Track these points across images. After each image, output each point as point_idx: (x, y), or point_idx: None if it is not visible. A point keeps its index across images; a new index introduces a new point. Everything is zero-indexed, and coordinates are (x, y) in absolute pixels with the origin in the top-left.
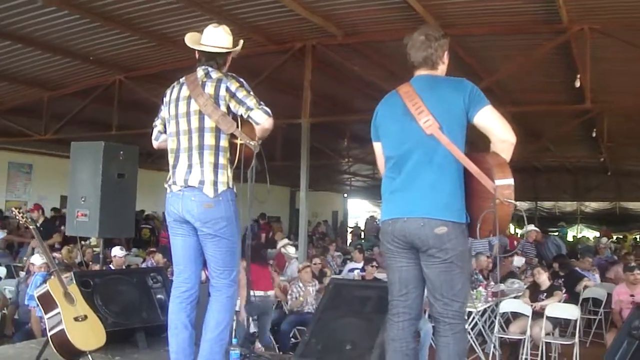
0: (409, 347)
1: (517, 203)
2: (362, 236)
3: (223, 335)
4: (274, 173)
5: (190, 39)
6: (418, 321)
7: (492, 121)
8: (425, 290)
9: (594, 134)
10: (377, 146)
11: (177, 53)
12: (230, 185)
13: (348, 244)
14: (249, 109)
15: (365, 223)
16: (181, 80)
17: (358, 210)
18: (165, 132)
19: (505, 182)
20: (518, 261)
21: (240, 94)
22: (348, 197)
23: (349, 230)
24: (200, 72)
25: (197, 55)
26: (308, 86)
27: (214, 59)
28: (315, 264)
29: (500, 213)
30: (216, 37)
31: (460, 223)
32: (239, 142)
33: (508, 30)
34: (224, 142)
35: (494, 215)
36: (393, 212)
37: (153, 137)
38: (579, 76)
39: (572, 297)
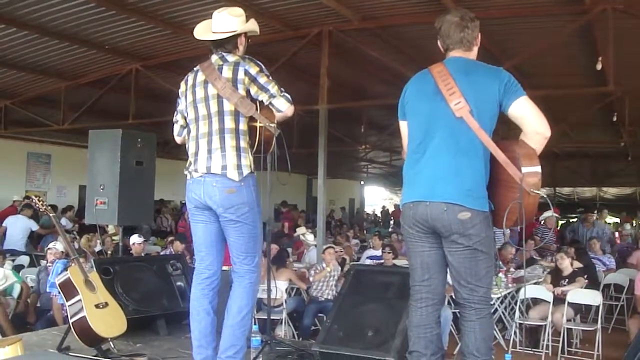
0: (432, 332)
1: (544, 193)
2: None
3: (245, 321)
4: (290, 160)
5: (200, 31)
6: (441, 306)
7: (527, 112)
8: (449, 276)
9: (614, 119)
10: (403, 125)
11: (193, 41)
12: (253, 170)
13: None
14: (271, 96)
15: (382, 212)
16: (195, 68)
17: (375, 198)
18: (186, 126)
19: (532, 169)
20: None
21: (262, 80)
22: (365, 185)
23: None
24: (214, 57)
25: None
26: (325, 72)
27: (221, 45)
28: (337, 251)
29: (525, 203)
30: (220, 23)
31: (483, 211)
32: (258, 124)
33: (529, 12)
34: (243, 125)
35: (519, 206)
36: (415, 195)
37: (175, 133)
38: (600, 58)
39: (592, 284)
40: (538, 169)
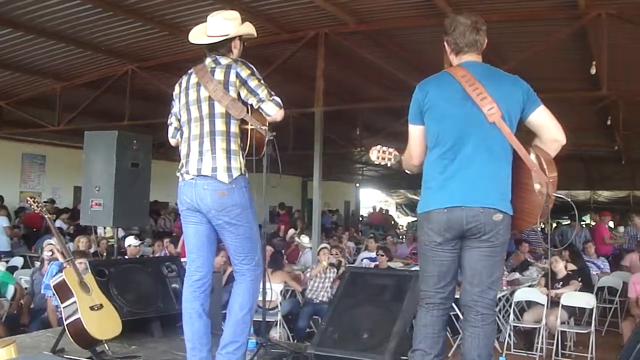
0: (439, 334)
1: (566, 196)
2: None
3: (247, 318)
4: (285, 162)
5: (195, 34)
6: (450, 310)
7: (547, 120)
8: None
9: (608, 122)
10: (418, 130)
11: (189, 42)
12: (243, 172)
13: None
14: (260, 100)
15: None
16: (189, 71)
17: (370, 200)
18: (180, 128)
19: (554, 174)
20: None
21: (252, 83)
22: (360, 187)
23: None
24: (208, 59)
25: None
26: (321, 75)
27: (215, 49)
28: (333, 254)
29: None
30: (214, 27)
31: (510, 215)
32: (249, 127)
33: (525, 16)
34: (234, 128)
35: (545, 209)
36: (448, 201)
37: (170, 135)
38: (594, 63)
39: (586, 287)
40: (556, 173)
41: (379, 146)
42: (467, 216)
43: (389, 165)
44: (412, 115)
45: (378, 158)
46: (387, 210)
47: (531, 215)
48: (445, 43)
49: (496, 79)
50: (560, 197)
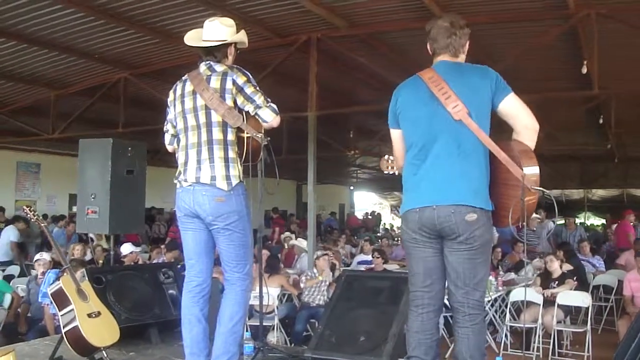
0: (432, 338)
1: (547, 191)
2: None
3: (237, 328)
4: (280, 167)
5: (190, 37)
6: (440, 312)
7: (517, 108)
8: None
9: (601, 121)
10: (396, 133)
11: (182, 49)
12: (242, 179)
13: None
14: (257, 107)
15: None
16: (184, 77)
17: (365, 203)
18: (177, 135)
19: (532, 169)
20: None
21: (249, 90)
22: (354, 190)
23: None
24: (202, 67)
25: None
26: (314, 79)
27: (211, 53)
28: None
29: (527, 200)
30: (211, 31)
31: (487, 210)
32: (245, 135)
33: (514, 17)
34: (231, 136)
35: (522, 203)
36: (420, 201)
37: (167, 142)
38: (585, 62)
39: (582, 285)
40: (537, 167)
41: (386, 156)
42: (438, 216)
43: (397, 173)
44: (390, 120)
45: (387, 167)
46: (371, 213)
47: (514, 211)
48: (427, 44)
49: (462, 76)
50: (543, 192)
